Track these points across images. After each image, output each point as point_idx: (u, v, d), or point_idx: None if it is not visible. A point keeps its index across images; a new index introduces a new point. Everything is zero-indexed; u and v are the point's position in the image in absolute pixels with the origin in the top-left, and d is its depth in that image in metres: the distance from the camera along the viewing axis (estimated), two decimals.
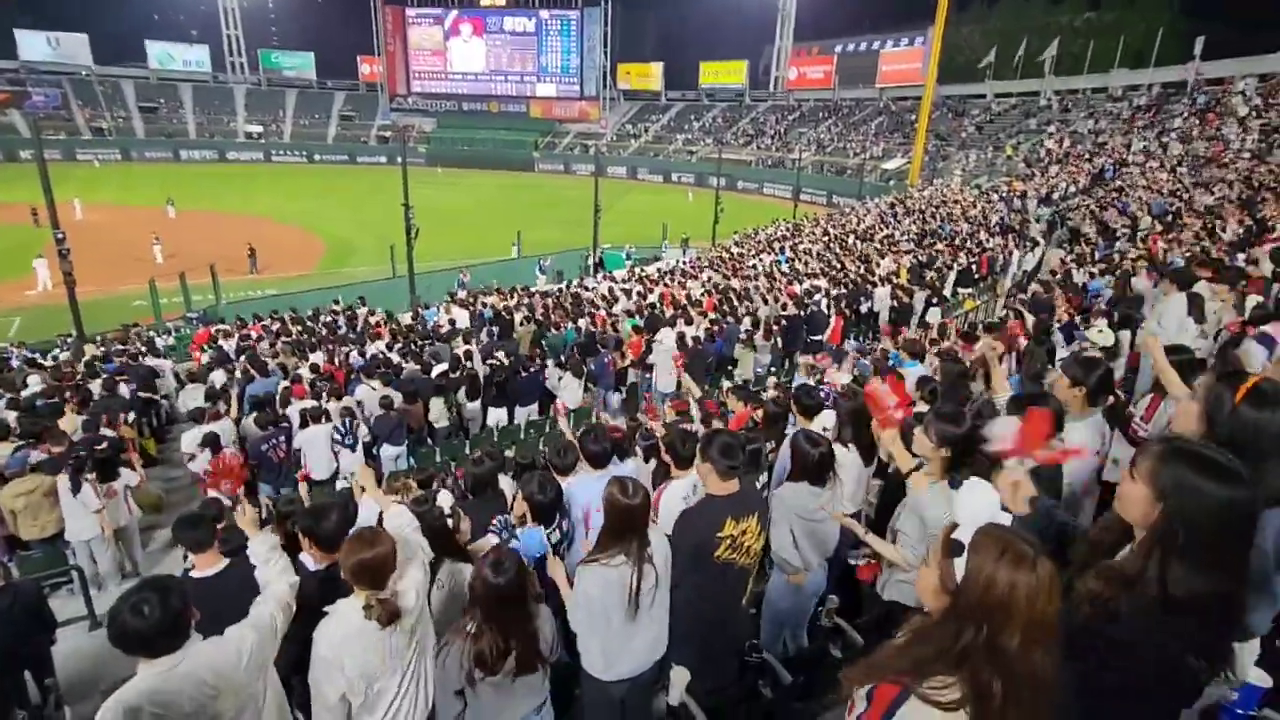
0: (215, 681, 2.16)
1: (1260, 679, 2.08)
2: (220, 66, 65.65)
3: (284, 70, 67.58)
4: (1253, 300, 5.53)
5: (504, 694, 2.43)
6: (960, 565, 1.31)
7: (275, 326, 14.71)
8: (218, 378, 9.87)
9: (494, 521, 3.21)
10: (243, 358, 10.83)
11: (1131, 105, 35.09)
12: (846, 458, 3.51)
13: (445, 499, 4.18)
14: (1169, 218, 14.96)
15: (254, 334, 14.26)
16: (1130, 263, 10.43)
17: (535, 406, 9.61)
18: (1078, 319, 7.24)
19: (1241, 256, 8.23)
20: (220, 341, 13.06)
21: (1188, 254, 9.68)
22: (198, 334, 15.21)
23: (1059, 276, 12.20)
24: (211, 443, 6.85)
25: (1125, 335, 5.94)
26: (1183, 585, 1.45)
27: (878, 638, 2.01)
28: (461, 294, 18.97)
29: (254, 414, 7.87)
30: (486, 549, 2.89)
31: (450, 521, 3.16)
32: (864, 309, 13.38)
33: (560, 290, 18.52)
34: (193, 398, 9.54)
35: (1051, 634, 1.30)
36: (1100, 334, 4.71)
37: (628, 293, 16.90)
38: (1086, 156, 28.07)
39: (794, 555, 3.06)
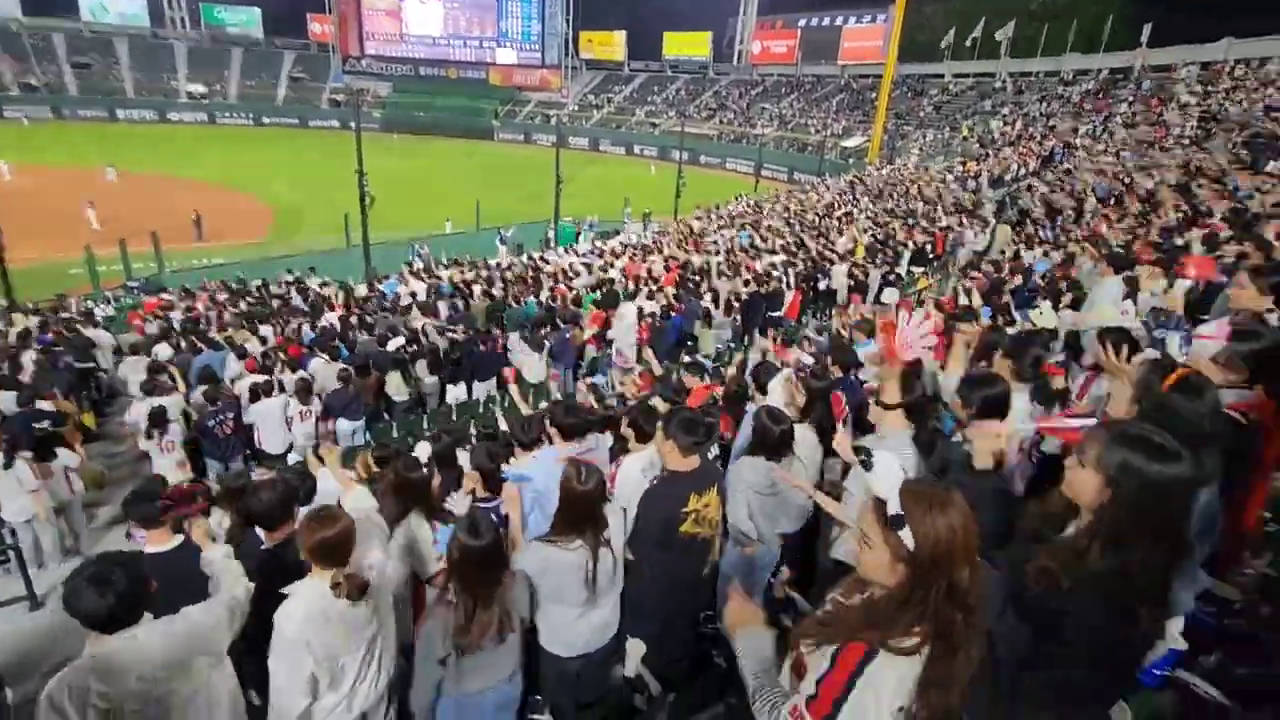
0: (166, 661, 2.13)
1: (1177, 642, 2.25)
2: (159, 21, 61.75)
3: (228, 26, 63.98)
4: (1183, 285, 5.79)
5: (480, 661, 2.44)
6: (907, 534, 1.38)
7: (223, 297, 14.21)
8: (162, 350, 9.51)
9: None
10: (188, 330, 10.45)
11: (1081, 89, 36.04)
12: (803, 435, 3.61)
13: (423, 450, 4.18)
14: (1112, 200, 15.53)
15: (200, 305, 13.75)
16: (1075, 244, 10.82)
17: (494, 382, 9.54)
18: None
19: (1179, 241, 8.61)
20: (166, 312, 12.56)
21: (1128, 237, 10.08)
22: (146, 303, 14.59)
23: (1008, 256, 12.60)
24: (158, 418, 6.64)
25: (1067, 315, 6.20)
26: (1129, 560, 1.57)
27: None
28: (418, 265, 18.57)
29: (202, 388, 7.64)
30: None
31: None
32: (822, 286, 13.59)
33: (518, 263, 18.30)
34: (134, 370, 9.18)
35: (976, 549, 1.42)
36: (1041, 315, 4.89)
37: (589, 267, 16.80)
38: (1037, 139, 28.79)
39: (750, 528, 3.16)
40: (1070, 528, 1.79)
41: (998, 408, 2.67)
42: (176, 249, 21.88)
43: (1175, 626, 2.27)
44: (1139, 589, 1.58)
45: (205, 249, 23.30)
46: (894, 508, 1.39)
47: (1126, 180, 16.64)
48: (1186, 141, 20.33)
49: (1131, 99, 30.50)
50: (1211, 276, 5.32)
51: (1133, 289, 5.56)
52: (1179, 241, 8.36)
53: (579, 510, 2.56)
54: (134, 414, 7.02)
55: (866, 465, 1.47)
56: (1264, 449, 2.68)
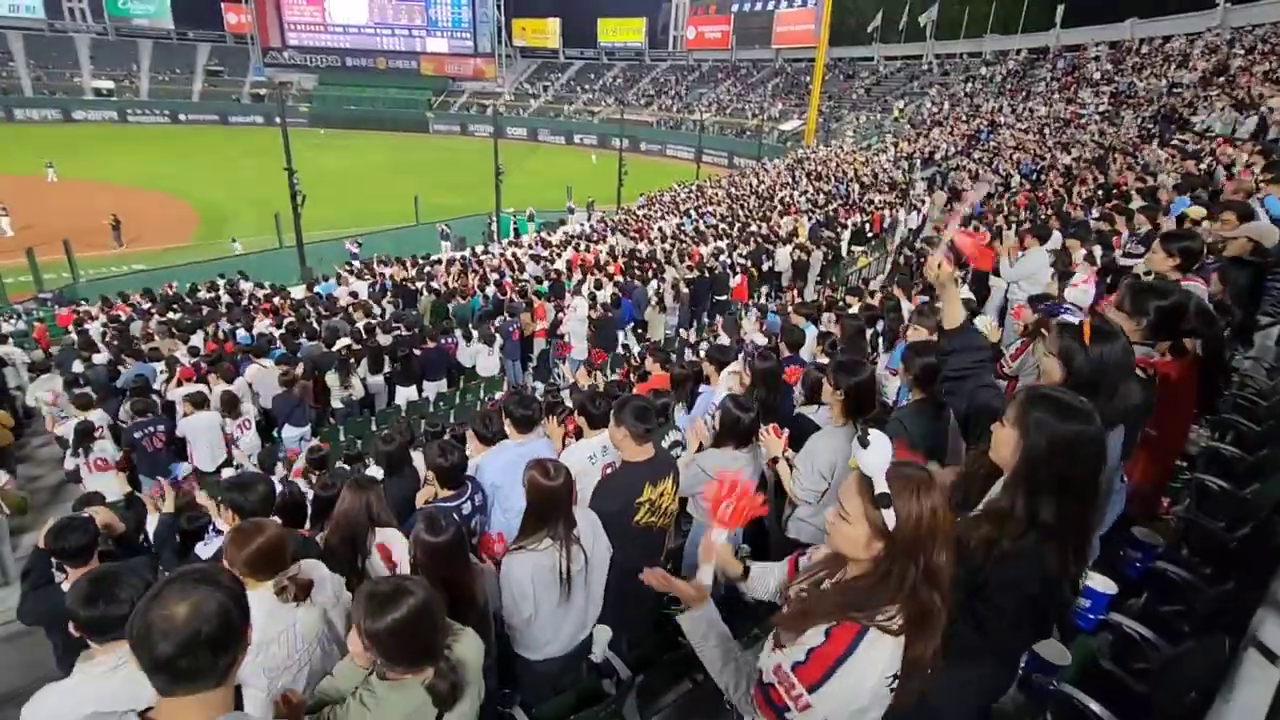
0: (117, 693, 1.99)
1: (1106, 585, 2.40)
2: (56, 13, 57.45)
3: (134, 18, 59.96)
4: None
5: None
6: (889, 514, 1.43)
7: (147, 306, 13.47)
8: (78, 365, 8.96)
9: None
10: (113, 341, 9.88)
11: (1002, 69, 37.48)
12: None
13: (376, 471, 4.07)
14: (1035, 176, 16.28)
15: (123, 315, 12.99)
16: (1001, 219, 11.30)
17: (444, 381, 9.38)
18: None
19: (1095, 213, 9.10)
20: (85, 325, 11.81)
21: (1048, 212, 10.59)
22: (59, 315, 13.69)
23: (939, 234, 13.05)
24: (85, 433, 6.28)
25: (997, 284, 6.49)
26: (1047, 512, 1.69)
27: None
28: (356, 264, 18.00)
29: (131, 400, 7.25)
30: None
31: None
32: (766, 267, 13.83)
33: (463, 257, 17.97)
34: (43, 388, 8.61)
35: (953, 532, 1.50)
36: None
37: (535, 258, 16.63)
38: (964, 119, 29.84)
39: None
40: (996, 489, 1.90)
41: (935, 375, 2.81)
42: (92, 256, 20.63)
43: (1097, 580, 2.43)
44: (1057, 540, 1.69)
45: (125, 255, 22.02)
46: (880, 486, 1.45)
47: (1048, 157, 17.44)
48: (1098, 118, 21.43)
49: (1048, 78, 31.90)
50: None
51: (1061, 258, 5.84)
52: (1095, 213, 8.83)
53: (548, 505, 2.53)
54: (66, 429, 6.61)
55: (864, 442, 1.52)
56: (1175, 402, 2.89)
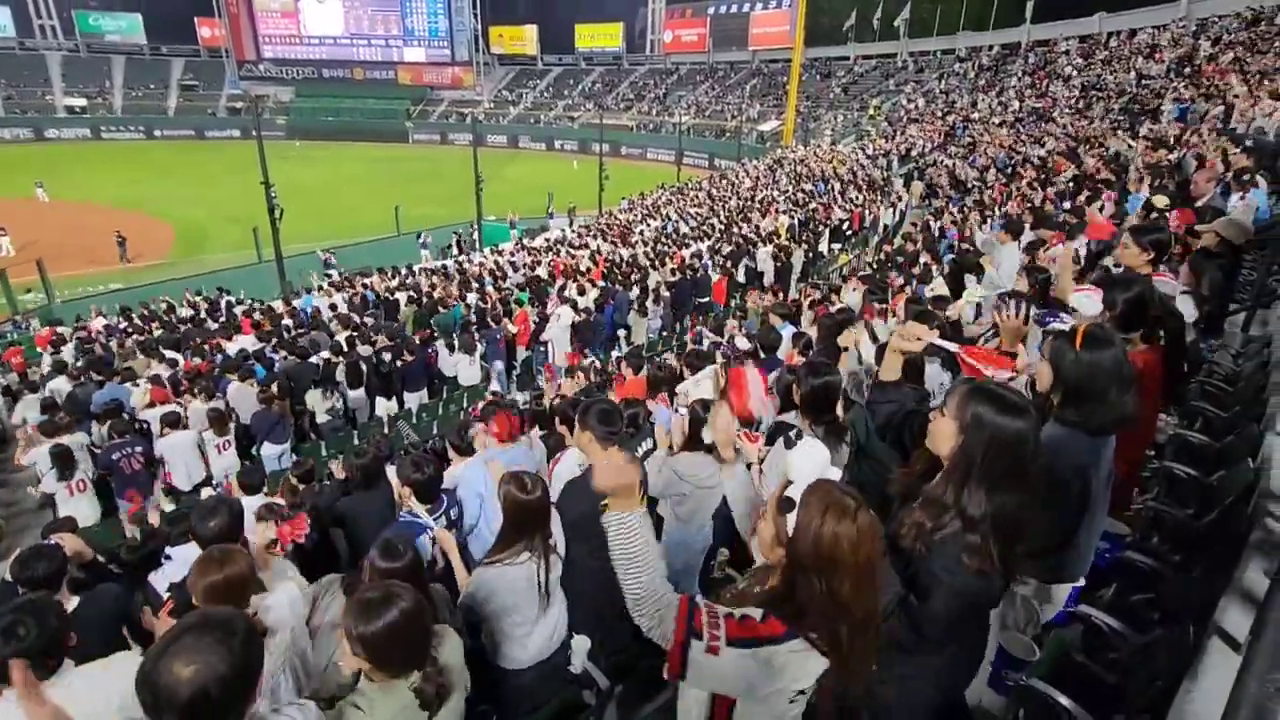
0: (99, 711, 1.96)
1: (1076, 580, 2.43)
2: (27, 31, 56.66)
3: (106, 34, 59.25)
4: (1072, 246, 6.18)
5: None
6: (791, 520, 1.42)
7: (122, 325, 13.28)
8: (58, 386, 8.81)
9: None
10: (84, 361, 9.73)
11: (975, 65, 37.92)
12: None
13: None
14: (1010, 170, 16.45)
15: (95, 334, 12.80)
16: (976, 214, 11.41)
17: (425, 391, 9.32)
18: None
19: (1067, 205, 9.22)
20: (61, 347, 11.61)
21: (1024, 206, 10.71)
22: (38, 336, 13.49)
23: (919, 228, 13.18)
24: (62, 458, 6.17)
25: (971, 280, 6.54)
26: (978, 507, 1.68)
27: None
28: (334, 276, 17.86)
29: (107, 422, 7.13)
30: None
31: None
32: (747, 268, 13.87)
33: (444, 267, 17.90)
34: (30, 409, 8.48)
35: (876, 575, 1.43)
36: (932, 290, 5.15)
37: (515, 265, 16.60)
38: (939, 115, 30.14)
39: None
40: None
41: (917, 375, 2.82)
42: (66, 276, 20.36)
43: (1062, 592, 2.44)
44: (979, 533, 1.67)
45: (104, 273, 21.75)
46: (796, 492, 1.43)
47: (1022, 151, 17.64)
48: (1069, 111, 21.71)
49: (1020, 73, 32.31)
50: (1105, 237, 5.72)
51: (1032, 253, 5.91)
52: (1067, 206, 8.94)
53: (525, 518, 2.52)
54: (34, 455, 6.49)
55: (789, 443, 1.50)
56: (1145, 391, 2.92)
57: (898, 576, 1.72)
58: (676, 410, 3.88)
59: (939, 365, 3.67)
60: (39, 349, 12.70)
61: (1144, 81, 21.11)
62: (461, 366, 9.43)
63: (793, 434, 1.48)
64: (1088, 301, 2.92)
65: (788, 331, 5.28)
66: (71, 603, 2.86)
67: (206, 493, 6.58)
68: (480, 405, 5.28)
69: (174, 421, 6.70)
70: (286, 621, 2.32)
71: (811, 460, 1.44)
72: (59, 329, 13.68)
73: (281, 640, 2.27)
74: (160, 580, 3.24)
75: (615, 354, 9.95)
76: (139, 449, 6.65)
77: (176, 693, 1.28)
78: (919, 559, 1.73)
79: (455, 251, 23.02)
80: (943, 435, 1.79)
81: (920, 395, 2.49)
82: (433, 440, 6.63)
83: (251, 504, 3.87)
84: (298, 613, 2.43)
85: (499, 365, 10.05)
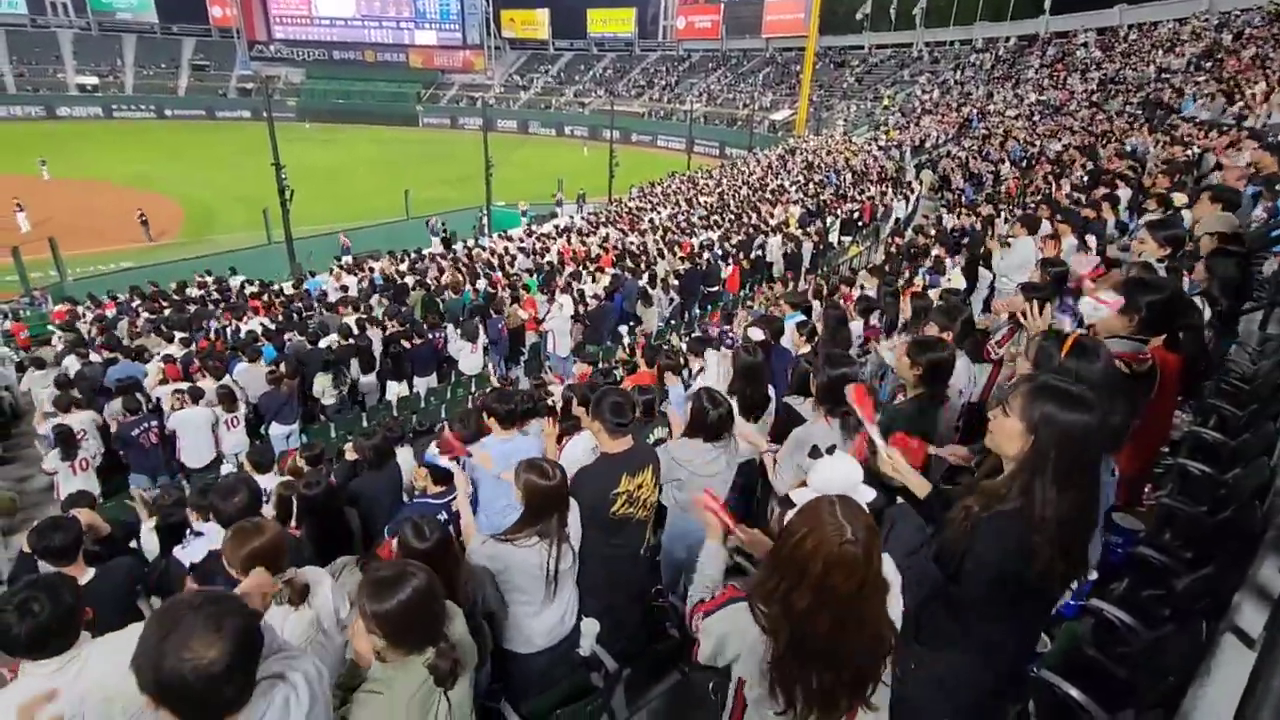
0: (113, 683, 1.96)
1: (1089, 573, 2.42)
2: (39, 8, 56.58)
3: (117, 12, 59.14)
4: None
5: None
6: (786, 519, 1.44)
7: (135, 304, 13.36)
8: (70, 363, 8.88)
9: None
10: (99, 339, 9.80)
11: (993, 57, 37.43)
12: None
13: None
14: (1025, 164, 16.28)
15: (109, 313, 12.89)
16: (991, 208, 11.31)
17: (434, 376, 9.34)
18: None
19: (1084, 199, 9.11)
20: (75, 323, 11.70)
21: (1038, 199, 10.59)
22: (54, 312, 13.61)
23: (931, 221, 13.07)
24: (64, 436, 6.23)
25: (985, 273, 6.48)
26: (1050, 507, 1.66)
27: None
28: (347, 259, 17.88)
29: (120, 399, 7.19)
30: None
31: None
32: (755, 257, 13.81)
33: (454, 252, 17.88)
34: (40, 384, 8.52)
35: (843, 607, 1.39)
36: (949, 280, 5.11)
37: (525, 251, 16.57)
38: (954, 106, 29.80)
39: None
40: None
41: (946, 372, 2.80)
42: (78, 254, 20.47)
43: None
44: (1048, 532, 1.66)
45: (115, 252, 21.85)
46: (803, 496, 1.44)
47: (1038, 144, 17.44)
48: (1087, 104, 21.42)
49: (1038, 65, 31.89)
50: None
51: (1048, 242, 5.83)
52: (1083, 200, 8.84)
53: (545, 507, 2.53)
54: (48, 427, 6.56)
55: (816, 454, 1.51)
56: (1164, 392, 2.90)
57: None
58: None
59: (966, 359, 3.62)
60: (51, 325, 12.81)
61: (1164, 75, 20.80)
62: (463, 355, 9.43)
63: (824, 451, 1.48)
64: (1090, 308, 2.86)
65: (791, 322, 5.27)
66: (86, 575, 2.91)
67: (224, 469, 6.65)
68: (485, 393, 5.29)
69: (196, 396, 6.74)
70: (328, 588, 2.35)
71: (830, 474, 1.43)
72: (76, 307, 13.78)
73: (319, 606, 2.29)
74: (185, 555, 3.27)
75: (627, 340, 9.95)
76: (154, 423, 6.72)
77: (179, 672, 1.27)
78: (963, 538, 1.73)
79: (476, 236, 22.80)
80: (1007, 435, 1.76)
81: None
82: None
83: (264, 483, 3.92)
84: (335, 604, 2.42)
85: (495, 355, 10.03)
